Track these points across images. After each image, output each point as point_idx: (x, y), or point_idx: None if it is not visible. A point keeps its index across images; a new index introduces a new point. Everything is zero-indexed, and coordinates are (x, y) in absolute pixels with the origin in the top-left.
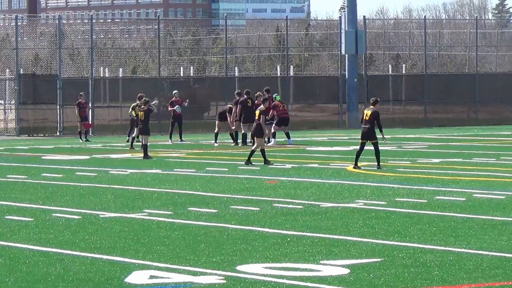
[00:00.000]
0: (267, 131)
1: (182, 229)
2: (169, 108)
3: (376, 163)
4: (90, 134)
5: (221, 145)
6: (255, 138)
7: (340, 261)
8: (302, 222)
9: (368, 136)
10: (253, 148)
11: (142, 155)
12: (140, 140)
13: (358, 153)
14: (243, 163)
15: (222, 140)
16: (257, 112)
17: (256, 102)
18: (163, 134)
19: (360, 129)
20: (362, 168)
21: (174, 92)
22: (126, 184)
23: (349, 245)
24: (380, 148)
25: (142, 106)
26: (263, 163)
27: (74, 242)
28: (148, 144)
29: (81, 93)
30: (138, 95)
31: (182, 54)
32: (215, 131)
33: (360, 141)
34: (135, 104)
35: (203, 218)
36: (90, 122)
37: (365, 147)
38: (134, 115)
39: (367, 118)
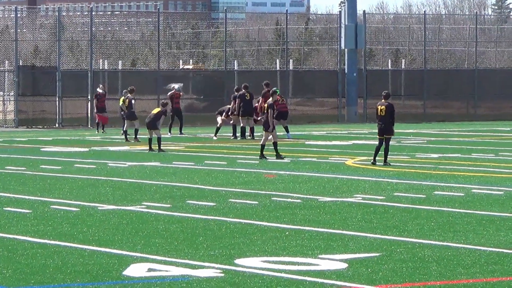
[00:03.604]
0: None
1: (180, 222)
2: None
3: (383, 159)
4: (89, 126)
5: (220, 139)
6: (264, 131)
7: (338, 255)
8: (300, 216)
9: (385, 131)
10: (261, 142)
11: (139, 147)
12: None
13: (377, 148)
14: (243, 157)
15: (221, 133)
16: (265, 106)
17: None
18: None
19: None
20: (359, 162)
21: (176, 87)
22: (124, 177)
23: (347, 240)
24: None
25: (162, 108)
26: (262, 157)
27: (72, 234)
28: (152, 137)
29: (100, 85)
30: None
31: (182, 47)
32: (218, 125)
33: (378, 137)
34: (125, 97)
35: (202, 211)
36: (105, 115)
37: (369, 142)
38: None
39: (382, 114)
